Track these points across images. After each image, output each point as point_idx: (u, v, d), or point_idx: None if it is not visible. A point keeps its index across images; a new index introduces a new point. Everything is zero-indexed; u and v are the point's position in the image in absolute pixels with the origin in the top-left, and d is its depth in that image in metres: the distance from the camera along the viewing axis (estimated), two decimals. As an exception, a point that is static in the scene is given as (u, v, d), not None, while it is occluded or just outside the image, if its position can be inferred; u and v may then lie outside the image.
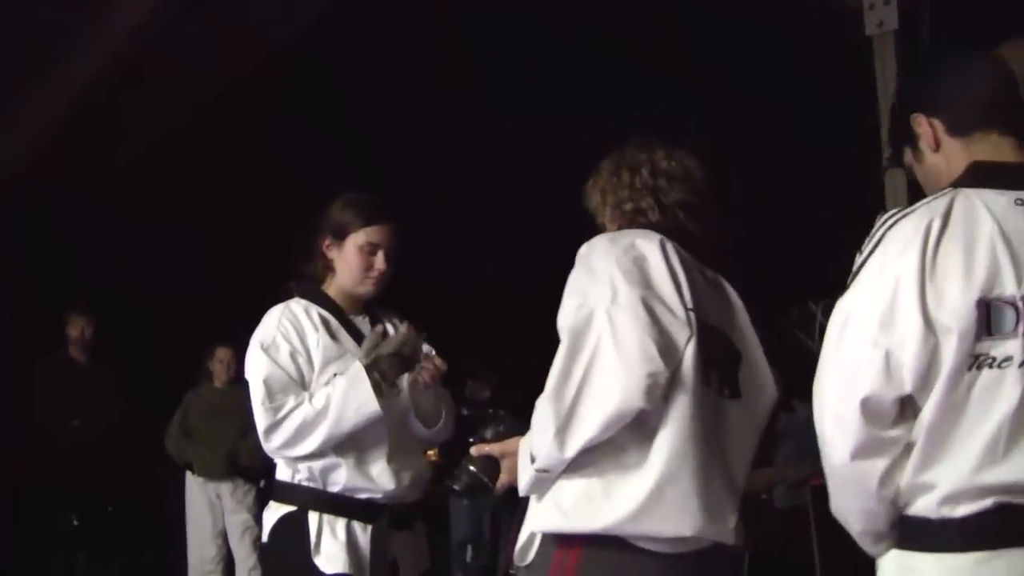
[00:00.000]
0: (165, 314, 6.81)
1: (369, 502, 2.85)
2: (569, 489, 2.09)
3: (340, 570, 2.78)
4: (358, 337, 2.91)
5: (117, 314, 6.64)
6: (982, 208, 1.71)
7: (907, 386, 1.67)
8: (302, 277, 2.99)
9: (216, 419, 6.23)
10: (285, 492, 2.88)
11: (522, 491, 2.17)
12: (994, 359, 1.65)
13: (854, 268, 1.76)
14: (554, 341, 2.10)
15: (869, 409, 1.68)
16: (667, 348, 2.02)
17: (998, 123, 1.82)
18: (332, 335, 2.88)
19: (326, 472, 2.81)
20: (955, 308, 1.65)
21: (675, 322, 2.06)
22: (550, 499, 2.11)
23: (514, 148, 7.32)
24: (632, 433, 2.04)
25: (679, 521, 2.05)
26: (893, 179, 3.89)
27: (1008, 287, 1.66)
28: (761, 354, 2.30)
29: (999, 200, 1.72)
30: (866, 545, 1.81)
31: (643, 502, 2.04)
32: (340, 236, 2.92)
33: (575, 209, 2.42)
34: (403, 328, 2.92)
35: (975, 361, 1.65)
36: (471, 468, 2.39)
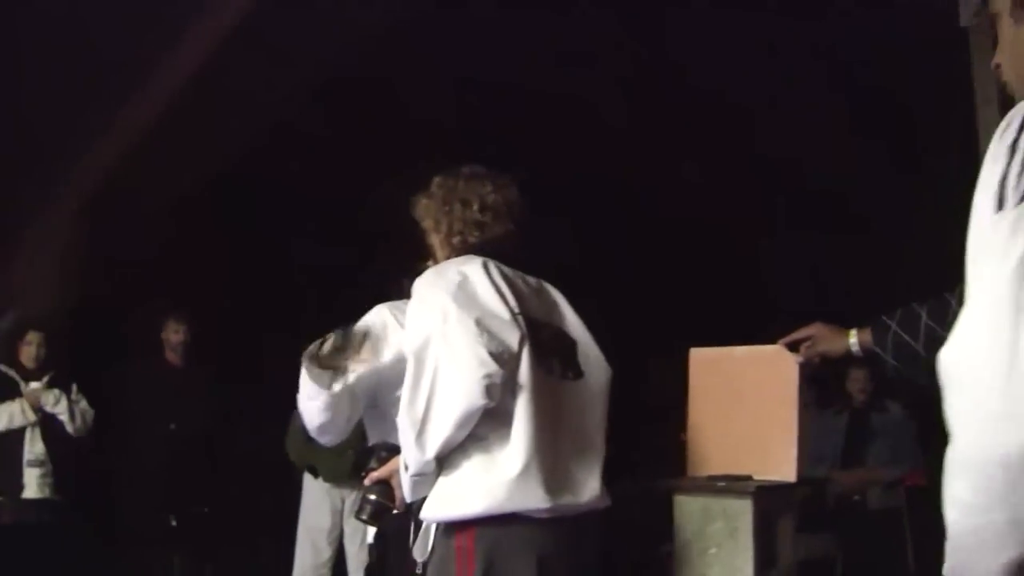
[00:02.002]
0: (275, 319, 6.85)
1: None
2: (448, 482, 2.44)
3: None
4: None
5: (219, 319, 6.76)
6: None
7: None
8: (414, 273, 3.00)
9: None
10: None
11: (407, 498, 2.54)
12: None
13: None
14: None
15: None
16: (500, 351, 2.38)
17: None
18: None
19: None
20: None
21: (505, 328, 2.43)
22: (435, 494, 2.46)
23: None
24: (492, 428, 2.40)
25: (542, 497, 2.39)
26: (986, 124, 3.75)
27: None
28: (590, 339, 2.69)
29: None
30: None
31: (511, 484, 2.37)
32: None
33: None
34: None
35: None
36: (371, 497, 2.75)
